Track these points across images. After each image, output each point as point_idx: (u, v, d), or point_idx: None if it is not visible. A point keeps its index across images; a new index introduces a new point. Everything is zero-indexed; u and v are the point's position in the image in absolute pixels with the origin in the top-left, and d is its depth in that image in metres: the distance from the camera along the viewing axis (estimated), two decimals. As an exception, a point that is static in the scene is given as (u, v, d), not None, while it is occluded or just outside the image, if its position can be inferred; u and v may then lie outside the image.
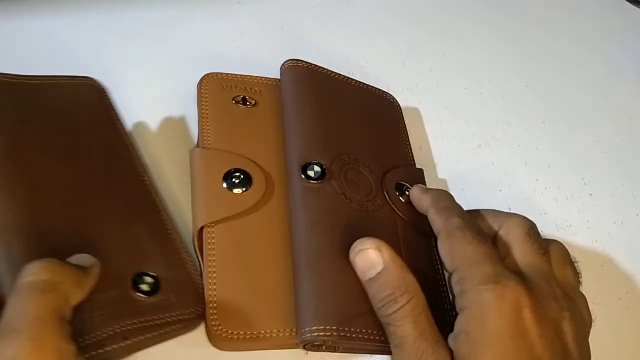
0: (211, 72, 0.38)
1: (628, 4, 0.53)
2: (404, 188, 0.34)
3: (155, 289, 0.28)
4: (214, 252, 0.30)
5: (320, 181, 0.32)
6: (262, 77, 0.39)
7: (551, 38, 0.50)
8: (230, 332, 0.28)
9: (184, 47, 0.45)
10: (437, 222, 0.30)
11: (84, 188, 0.31)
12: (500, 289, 0.25)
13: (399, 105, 0.41)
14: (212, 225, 0.31)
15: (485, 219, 0.31)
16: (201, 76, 0.38)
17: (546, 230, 0.38)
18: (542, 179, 0.41)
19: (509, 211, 0.32)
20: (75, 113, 0.34)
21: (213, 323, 0.28)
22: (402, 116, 0.40)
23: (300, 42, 0.47)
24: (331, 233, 0.30)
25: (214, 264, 0.30)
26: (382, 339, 0.27)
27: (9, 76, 0.34)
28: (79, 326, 0.25)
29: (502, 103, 0.45)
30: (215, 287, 0.29)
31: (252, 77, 0.38)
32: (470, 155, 0.42)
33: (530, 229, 0.30)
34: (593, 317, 0.31)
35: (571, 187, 0.41)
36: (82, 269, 0.25)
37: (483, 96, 0.45)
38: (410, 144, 0.39)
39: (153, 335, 0.27)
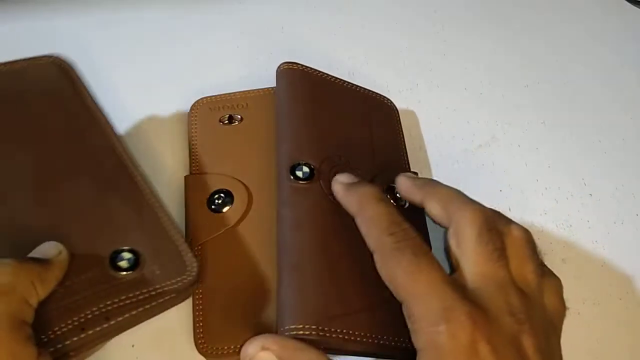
0: (201, 96, 0.39)
1: (628, 4, 0.53)
2: (395, 191, 0.34)
3: (135, 263, 0.28)
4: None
5: (308, 181, 0.32)
6: (248, 90, 0.40)
7: (551, 38, 0.50)
8: (216, 347, 0.29)
9: (183, 46, 0.45)
10: (367, 238, 0.27)
11: (49, 170, 0.30)
12: (451, 329, 0.23)
13: (396, 109, 0.41)
14: (199, 246, 0.32)
15: (431, 211, 0.29)
16: (201, 76, 0.38)
17: (546, 230, 0.39)
18: (542, 179, 0.41)
19: (465, 200, 0.28)
20: (37, 95, 0.33)
21: (200, 341, 0.30)
22: (399, 119, 0.40)
23: (300, 42, 0.47)
24: (315, 232, 0.30)
25: (200, 284, 0.31)
26: (363, 340, 0.27)
27: None
28: (55, 313, 0.25)
29: (502, 103, 0.45)
30: (201, 305, 0.30)
31: (238, 93, 0.39)
32: (470, 156, 0.42)
33: (482, 226, 0.26)
34: (592, 316, 0.31)
35: (571, 187, 0.41)
36: (43, 262, 0.25)
37: (483, 96, 0.45)
38: (405, 147, 0.39)
39: (138, 312, 0.27)
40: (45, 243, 0.26)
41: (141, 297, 0.27)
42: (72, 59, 0.36)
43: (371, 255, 0.29)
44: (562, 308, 0.27)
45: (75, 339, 0.25)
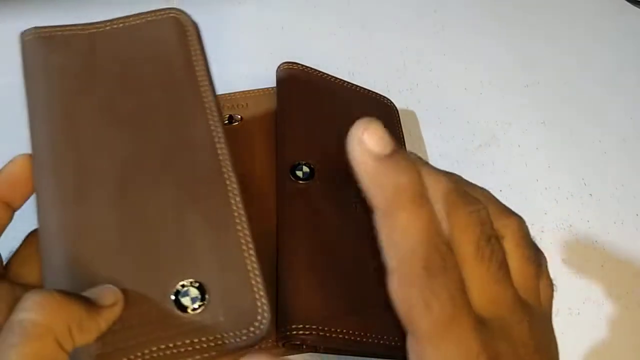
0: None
1: (628, 4, 0.53)
2: None
3: (200, 301, 0.23)
4: None
5: (308, 181, 0.32)
6: (248, 90, 0.39)
7: (551, 38, 0.50)
8: None
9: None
10: (386, 252, 0.20)
11: (138, 165, 0.26)
12: None
13: (396, 108, 0.41)
14: None
15: None
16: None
17: (546, 230, 0.39)
18: (542, 179, 0.41)
19: (454, 201, 0.23)
20: (147, 62, 0.29)
21: None
22: (399, 119, 0.40)
23: (300, 42, 0.47)
24: (315, 232, 0.30)
25: None
26: (364, 340, 0.27)
27: (67, 28, 0.29)
28: (101, 352, 0.22)
29: (502, 103, 0.45)
30: None
31: (238, 92, 0.39)
32: (470, 155, 0.42)
33: (480, 238, 0.22)
34: (592, 316, 0.31)
35: (571, 187, 0.41)
36: (91, 307, 0.22)
37: (483, 96, 0.45)
38: (405, 148, 0.39)
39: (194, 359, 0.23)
40: (105, 286, 0.23)
41: (197, 346, 0.22)
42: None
43: (373, 254, 0.29)
44: (552, 290, 0.25)
45: None
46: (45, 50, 0.28)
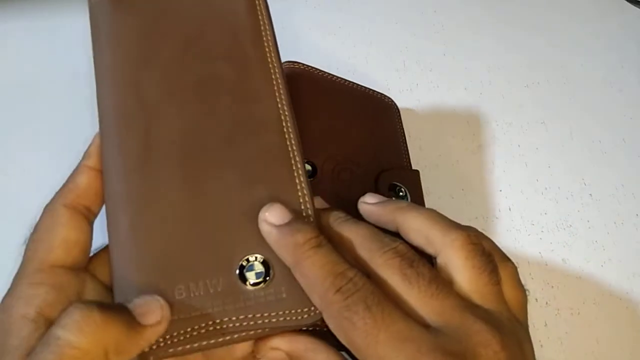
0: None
1: (628, 4, 0.53)
2: (397, 189, 0.34)
3: (263, 277, 0.23)
4: None
5: (310, 180, 0.32)
6: None
7: (551, 38, 0.50)
8: None
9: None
10: (311, 298, 0.23)
11: (204, 139, 0.26)
12: None
13: (397, 107, 0.41)
14: None
15: (413, 242, 0.26)
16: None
17: (546, 230, 0.39)
18: (542, 179, 0.41)
19: (443, 225, 0.26)
20: (215, 31, 0.28)
21: None
22: (400, 118, 0.40)
23: (300, 42, 0.47)
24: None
25: None
26: None
27: None
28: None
29: (502, 103, 0.45)
30: None
31: None
32: (470, 155, 0.42)
33: (401, 264, 0.24)
34: (592, 316, 0.31)
35: (571, 187, 0.41)
36: (132, 327, 0.21)
37: (483, 96, 0.45)
38: (407, 146, 0.39)
39: (248, 335, 0.23)
40: (153, 299, 0.22)
41: (259, 321, 0.23)
42: (73, 59, 0.36)
43: None
44: (523, 294, 0.26)
45: (179, 349, 0.22)
46: (112, 13, 0.28)
